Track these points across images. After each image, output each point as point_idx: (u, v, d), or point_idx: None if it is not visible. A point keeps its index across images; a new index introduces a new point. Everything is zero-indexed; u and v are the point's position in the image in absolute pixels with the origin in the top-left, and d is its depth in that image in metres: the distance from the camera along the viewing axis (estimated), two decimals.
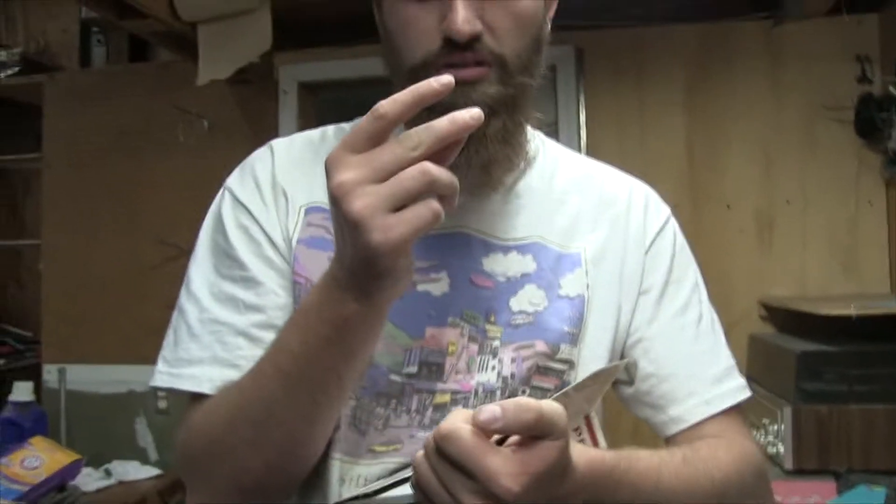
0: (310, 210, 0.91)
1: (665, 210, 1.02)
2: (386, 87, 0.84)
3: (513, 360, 0.88)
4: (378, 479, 0.86)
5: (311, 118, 2.96)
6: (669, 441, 0.95)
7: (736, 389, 0.97)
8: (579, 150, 2.65)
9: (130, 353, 2.90)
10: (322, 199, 0.89)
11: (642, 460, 0.78)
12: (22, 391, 2.36)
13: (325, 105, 3.04)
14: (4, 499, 1.90)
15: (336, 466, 0.88)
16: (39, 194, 3.24)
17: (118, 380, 2.93)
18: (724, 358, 0.98)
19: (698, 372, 0.95)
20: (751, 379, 2.41)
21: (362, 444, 0.88)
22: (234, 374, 0.82)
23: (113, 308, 3.00)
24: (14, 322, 3.54)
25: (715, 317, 1.01)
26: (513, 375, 0.88)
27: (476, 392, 0.88)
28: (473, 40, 0.80)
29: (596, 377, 0.81)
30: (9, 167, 3.51)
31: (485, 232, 0.92)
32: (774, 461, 2.04)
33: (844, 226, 2.56)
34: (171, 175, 2.98)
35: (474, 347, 0.88)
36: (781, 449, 1.98)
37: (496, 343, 0.89)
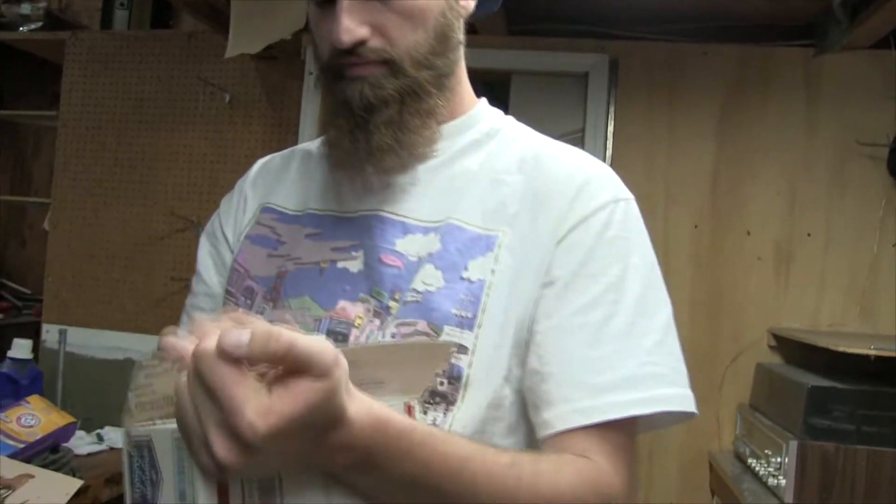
0: (264, 210, 1.04)
1: (602, 197, 0.91)
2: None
3: (392, 336, 0.86)
4: None
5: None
6: (542, 447, 0.86)
7: (632, 403, 0.82)
8: (604, 160, 2.61)
9: (130, 321, 2.87)
10: (277, 201, 1.03)
11: (448, 443, 0.70)
12: (21, 349, 2.34)
13: None
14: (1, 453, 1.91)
15: None
16: (51, 153, 3.22)
17: (116, 346, 2.90)
18: (632, 367, 0.84)
19: (584, 377, 0.83)
20: (754, 408, 2.38)
21: None
22: None
23: (117, 275, 2.96)
24: (13, 278, 3.52)
25: (647, 323, 0.87)
26: None
27: None
28: (358, 45, 0.86)
29: (397, 348, 0.77)
30: (23, 122, 3.49)
31: (404, 215, 0.94)
32: (774, 493, 2.00)
33: (864, 265, 2.53)
34: (188, 146, 2.95)
35: (377, 322, 0.89)
36: (783, 482, 1.95)
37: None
